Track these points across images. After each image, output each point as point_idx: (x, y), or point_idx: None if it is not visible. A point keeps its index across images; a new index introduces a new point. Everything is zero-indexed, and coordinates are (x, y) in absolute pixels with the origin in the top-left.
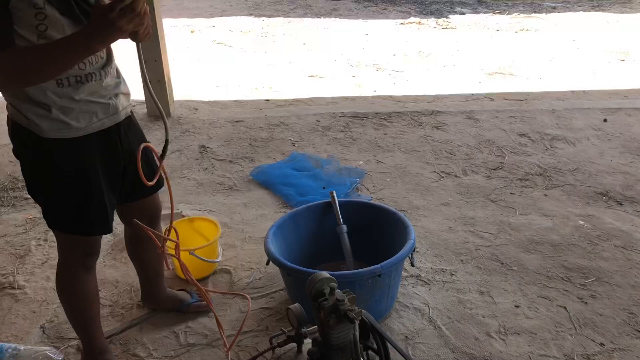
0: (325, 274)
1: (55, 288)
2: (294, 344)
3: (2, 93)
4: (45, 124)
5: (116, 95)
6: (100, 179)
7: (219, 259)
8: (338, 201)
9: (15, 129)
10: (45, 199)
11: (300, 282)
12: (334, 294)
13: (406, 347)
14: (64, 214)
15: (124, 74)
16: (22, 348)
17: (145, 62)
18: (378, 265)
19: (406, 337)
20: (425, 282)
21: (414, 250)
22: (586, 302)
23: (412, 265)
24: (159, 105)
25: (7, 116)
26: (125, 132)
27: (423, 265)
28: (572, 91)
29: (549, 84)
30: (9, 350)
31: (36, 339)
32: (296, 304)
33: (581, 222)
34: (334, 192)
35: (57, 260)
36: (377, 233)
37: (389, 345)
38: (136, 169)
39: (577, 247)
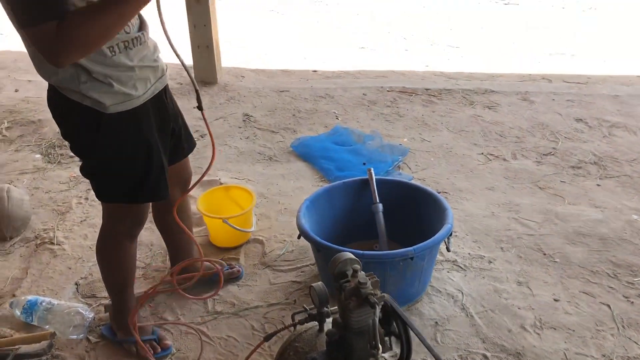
0: (350, 254)
1: (92, 247)
2: (316, 323)
3: (52, 77)
4: (108, 99)
5: (158, 57)
6: (159, 145)
7: (253, 228)
8: (375, 178)
9: (69, 109)
10: (104, 175)
11: (330, 259)
12: (356, 276)
13: (435, 333)
14: (124, 186)
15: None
16: (56, 303)
17: (195, 27)
18: (411, 248)
19: (436, 322)
20: (461, 267)
21: (450, 235)
22: (632, 302)
23: (448, 250)
24: (181, 58)
25: (51, 97)
26: (169, 94)
27: (460, 250)
28: (638, 76)
29: (614, 67)
30: (43, 303)
31: (70, 295)
32: (319, 283)
33: (635, 217)
34: (372, 169)
35: (95, 219)
36: (414, 214)
37: (411, 332)
38: (178, 133)
39: (628, 243)
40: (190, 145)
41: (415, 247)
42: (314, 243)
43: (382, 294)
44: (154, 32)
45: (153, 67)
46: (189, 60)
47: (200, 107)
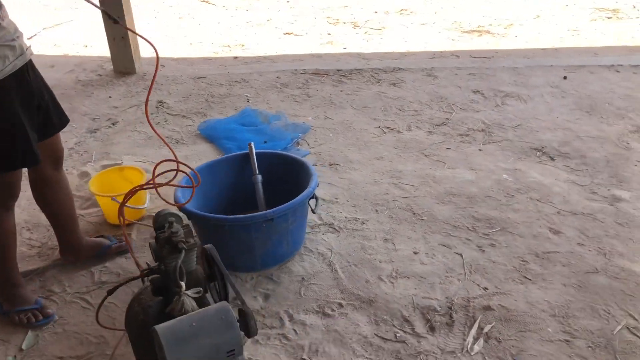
0: (171, 210)
1: None
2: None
3: None
4: None
5: (17, 36)
6: (22, 116)
7: (146, 205)
8: (255, 152)
9: None
10: None
11: (199, 225)
12: (172, 227)
13: (300, 287)
14: None
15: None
16: None
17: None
18: (270, 211)
19: (302, 278)
20: (335, 229)
21: (313, 198)
22: (484, 250)
23: (313, 212)
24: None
25: None
26: (33, 71)
27: (338, 214)
28: (543, 49)
29: (524, 42)
30: None
31: None
32: (153, 240)
33: (505, 176)
34: (252, 143)
35: None
36: (290, 182)
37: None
38: (45, 109)
39: (492, 200)
40: (62, 121)
41: (274, 209)
42: (184, 211)
43: (195, 241)
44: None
45: (11, 45)
46: (107, 52)
47: (115, 21)
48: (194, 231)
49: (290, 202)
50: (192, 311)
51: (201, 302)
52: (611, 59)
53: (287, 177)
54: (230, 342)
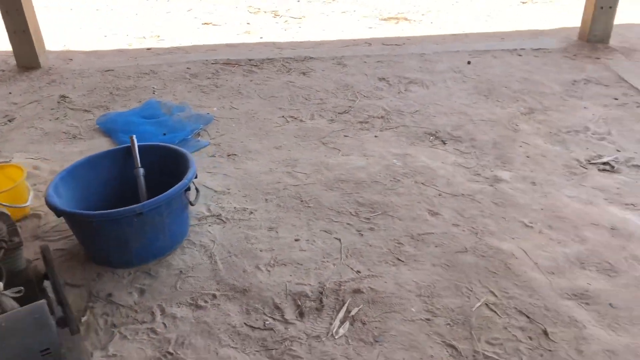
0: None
1: None
2: None
3: None
4: None
5: None
6: None
7: (28, 203)
8: (139, 145)
9: None
10: None
11: (70, 222)
12: None
13: (176, 281)
14: None
15: None
16: None
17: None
18: (138, 205)
19: (180, 271)
20: (222, 221)
21: (188, 190)
22: (362, 235)
23: (191, 204)
24: None
25: None
26: None
27: (228, 205)
28: (454, 34)
29: (438, 28)
30: None
31: None
32: None
33: (395, 161)
34: (134, 136)
35: None
36: (173, 174)
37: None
38: None
39: (378, 185)
40: None
41: (142, 204)
42: (54, 209)
43: (20, 240)
44: None
45: None
46: (9, 46)
47: None
48: (19, 230)
49: (163, 194)
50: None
51: (26, 301)
52: (515, 43)
53: (170, 170)
54: (44, 342)
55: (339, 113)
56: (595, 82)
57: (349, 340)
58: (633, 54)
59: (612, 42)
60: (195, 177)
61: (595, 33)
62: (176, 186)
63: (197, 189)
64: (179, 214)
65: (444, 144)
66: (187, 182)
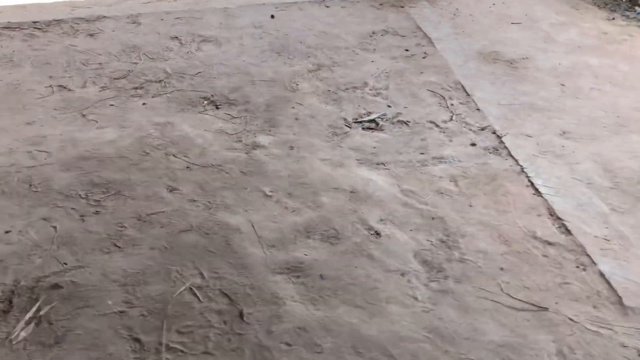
0: None
1: None
2: None
3: None
4: None
5: None
6: None
7: None
8: None
9: None
10: None
11: None
12: None
13: None
14: None
15: None
16: None
17: None
18: None
19: None
20: None
21: None
22: (84, 220)
23: None
24: None
25: None
26: None
27: None
28: None
29: None
30: None
31: None
32: None
33: (152, 132)
34: None
35: None
36: None
37: None
38: None
39: (123, 160)
40: None
41: None
42: None
43: None
44: None
45: None
46: None
47: None
48: None
49: None
50: None
51: None
52: None
53: None
54: None
55: (114, 79)
56: (393, 33)
57: (27, 345)
58: (438, 1)
59: None
60: None
61: None
62: None
63: None
64: None
65: (217, 108)
66: None
